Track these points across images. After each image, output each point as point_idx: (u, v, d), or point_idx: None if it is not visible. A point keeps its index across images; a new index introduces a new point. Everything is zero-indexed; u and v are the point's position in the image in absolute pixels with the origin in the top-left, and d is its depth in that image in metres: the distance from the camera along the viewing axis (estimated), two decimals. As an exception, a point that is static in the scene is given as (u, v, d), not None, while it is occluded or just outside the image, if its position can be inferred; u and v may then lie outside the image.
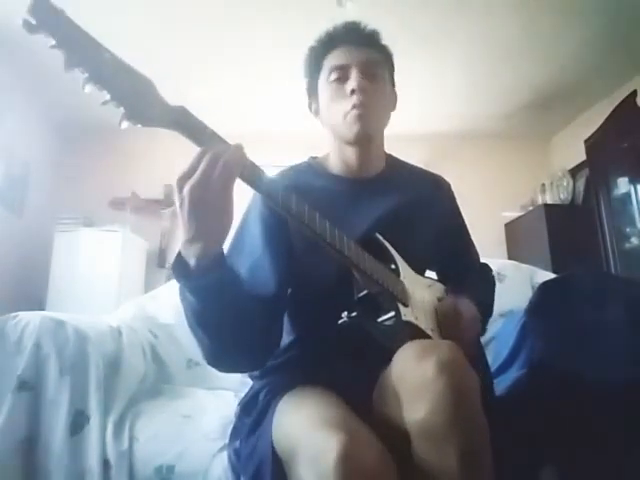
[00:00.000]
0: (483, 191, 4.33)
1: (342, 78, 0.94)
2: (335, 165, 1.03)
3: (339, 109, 0.93)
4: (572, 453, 0.98)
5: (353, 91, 0.91)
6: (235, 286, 0.74)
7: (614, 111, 3.43)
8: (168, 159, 4.28)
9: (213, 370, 1.53)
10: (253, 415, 0.88)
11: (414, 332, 0.83)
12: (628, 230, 3.36)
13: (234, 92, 3.74)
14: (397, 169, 1.07)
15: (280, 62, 3.30)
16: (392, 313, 0.82)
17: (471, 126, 4.38)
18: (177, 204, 0.64)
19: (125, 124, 0.58)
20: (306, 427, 0.68)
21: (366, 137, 0.94)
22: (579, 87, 3.73)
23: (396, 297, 0.83)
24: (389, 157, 1.08)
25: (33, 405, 1.09)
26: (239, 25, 3.04)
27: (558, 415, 0.99)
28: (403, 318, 0.82)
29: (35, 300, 3.29)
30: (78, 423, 1.10)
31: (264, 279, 0.85)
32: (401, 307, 0.83)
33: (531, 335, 1.19)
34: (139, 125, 0.59)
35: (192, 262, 0.67)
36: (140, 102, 0.59)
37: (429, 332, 0.87)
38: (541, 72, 3.56)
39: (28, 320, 1.16)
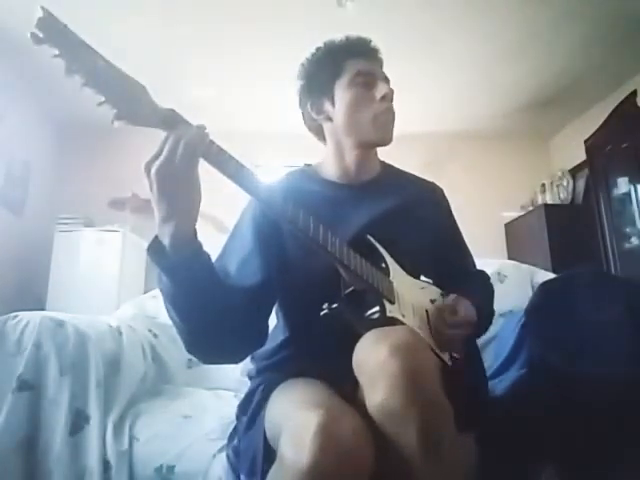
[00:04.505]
0: (483, 191, 4.34)
1: (368, 84, 0.99)
2: (329, 171, 1.05)
3: (367, 111, 0.97)
4: (572, 453, 0.98)
5: (384, 97, 0.97)
6: (209, 270, 0.77)
7: (614, 111, 3.43)
8: (168, 159, 4.30)
9: (213, 370, 1.55)
10: (248, 413, 0.90)
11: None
12: (628, 230, 3.36)
13: (234, 92, 3.74)
14: (391, 175, 1.10)
15: (280, 62, 3.30)
16: (377, 308, 0.83)
17: (471, 126, 4.38)
18: (148, 187, 0.68)
19: (117, 123, 0.64)
20: (290, 409, 0.71)
21: (388, 141, 1.00)
22: (579, 87, 3.73)
23: (381, 293, 0.84)
24: (382, 164, 1.11)
25: (33, 405, 1.09)
26: (239, 25, 3.04)
27: (558, 415, 0.99)
28: (388, 314, 0.82)
29: (35, 300, 3.29)
30: (78, 423, 1.10)
31: (249, 275, 0.87)
32: (387, 304, 0.84)
33: (531, 335, 1.19)
34: (130, 124, 0.65)
35: (166, 241, 0.71)
36: (131, 104, 0.65)
37: (416, 329, 0.87)
38: (541, 72, 3.56)
39: (28, 320, 1.16)
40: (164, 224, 0.70)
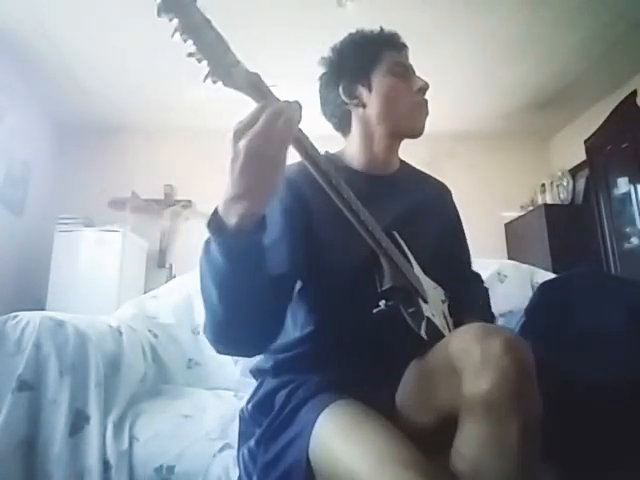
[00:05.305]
0: (483, 191, 4.34)
1: (405, 76, 1.00)
2: (355, 159, 1.02)
3: (404, 101, 0.99)
4: (572, 453, 0.98)
5: (421, 89, 1.00)
6: (264, 255, 0.72)
7: (614, 111, 3.43)
8: (168, 159, 4.30)
9: (213, 370, 1.55)
10: (272, 419, 0.85)
11: (432, 328, 0.83)
12: (628, 230, 3.36)
13: (233, 92, 3.74)
14: (408, 171, 1.10)
15: (280, 61, 3.30)
16: (413, 308, 0.82)
17: (471, 126, 4.38)
18: (229, 157, 0.61)
19: (208, 80, 0.57)
20: (377, 463, 0.66)
21: (420, 133, 1.02)
22: (579, 87, 3.73)
23: (419, 293, 0.84)
24: (400, 160, 1.10)
25: (33, 405, 1.09)
26: (238, 25, 3.03)
27: (558, 415, 0.99)
28: (425, 313, 0.82)
29: (35, 300, 3.29)
30: (78, 423, 1.10)
31: (276, 264, 0.81)
32: (422, 303, 0.83)
33: (531, 335, 1.19)
34: (220, 83, 0.57)
35: (232, 221, 0.64)
36: (225, 59, 0.58)
37: (441, 329, 0.87)
38: (541, 72, 3.56)
39: (28, 320, 1.16)
40: (234, 202, 0.63)
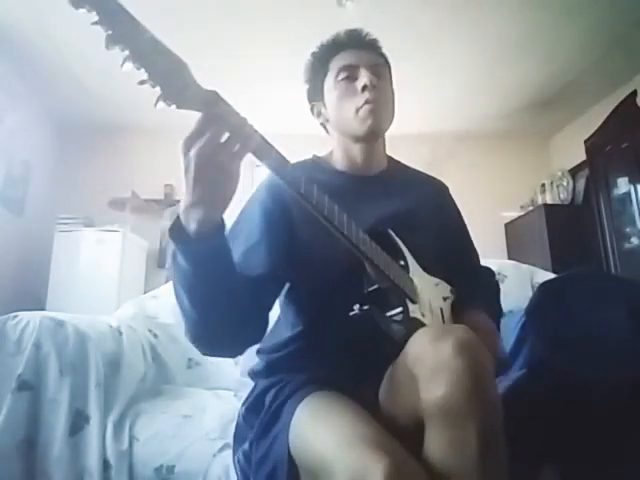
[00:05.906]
0: (483, 191, 4.34)
1: (351, 77, 0.97)
2: (339, 162, 1.04)
3: (350, 106, 0.96)
4: (572, 453, 0.98)
5: (365, 87, 0.94)
6: (229, 259, 0.75)
7: (614, 111, 3.43)
8: (168, 159, 4.28)
9: (213, 370, 1.55)
10: (262, 417, 0.86)
11: (418, 328, 0.82)
12: (628, 230, 3.36)
13: (232, 92, 3.73)
14: (399, 170, 1.10)
15: (279, 62, 3.30)
16: (400, 309, 0.82)
17: (471, 126, 4.39)
18: (183, 167, 0.63)
19: (161, 105, 0.57)
20: (342, 443, 0.66)
21: (376, 132, 0.97)
22: (579, 87, 3.74)
23: (405, 294, 0.83)
24: (389, 158, 1.10)
25: (33, 405, 1.09)
26: (238, 24, 3.04)
27: (558, 415, 0.99)
28: (411, 315, 0.82)
29: (35, 300, 3.29)
30: (78, 423, 1.11)
31: (254, 266, 0.84)
32: (409, 304, 0.83)
33: (531, 335, 1.19)
34: (173, 106, 0.58)
35: (192, 227, 0.67)
36: (176, 83, 0.58)
37: None
38: (541, 72, 3.56)
39: (28, 320, 1.16)
40: (192, 209, 0.66)
